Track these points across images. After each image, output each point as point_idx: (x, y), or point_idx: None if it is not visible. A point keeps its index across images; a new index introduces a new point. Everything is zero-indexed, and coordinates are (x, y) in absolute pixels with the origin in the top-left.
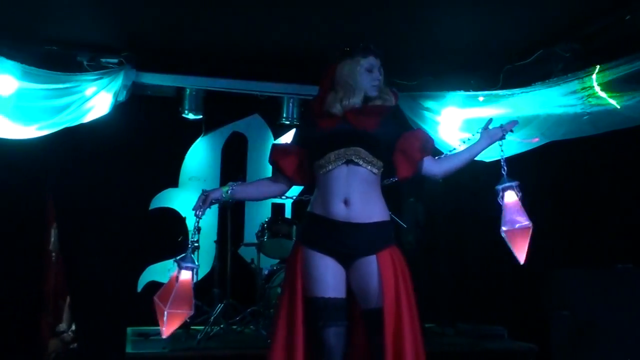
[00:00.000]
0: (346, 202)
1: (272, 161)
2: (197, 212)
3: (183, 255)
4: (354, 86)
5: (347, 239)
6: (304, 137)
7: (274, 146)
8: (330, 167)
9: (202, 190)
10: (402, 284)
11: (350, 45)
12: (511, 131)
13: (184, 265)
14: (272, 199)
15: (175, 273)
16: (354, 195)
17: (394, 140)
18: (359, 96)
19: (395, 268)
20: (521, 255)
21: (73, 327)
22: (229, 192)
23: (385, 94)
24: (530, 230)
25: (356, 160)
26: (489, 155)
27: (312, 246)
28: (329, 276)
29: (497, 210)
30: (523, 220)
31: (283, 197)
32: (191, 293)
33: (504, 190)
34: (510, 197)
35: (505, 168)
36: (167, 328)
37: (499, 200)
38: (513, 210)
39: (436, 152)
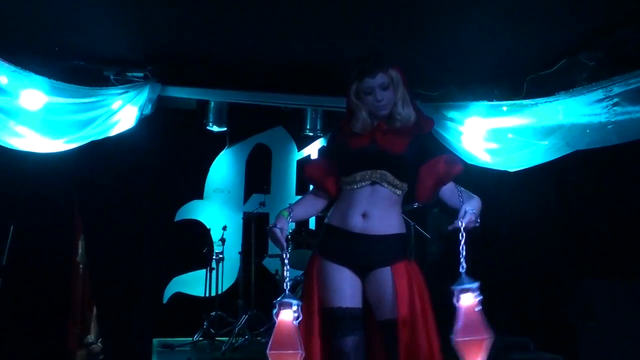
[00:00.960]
0: (364, 215)
1: (313, 179)
2: (285, 252)
3: (283, 296)
4: (356, 112)
5: (362, 250)
6: (335, 151)
7: (311, 163)
8: (355, 186)
9: (269, 228)
10: (417, 297)
11: (348, 69)
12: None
13: (289, 303)
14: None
15: (282, 316)
16: (373, 211)
17: (419, 164)
18: (364, 120)
19: (410, 280)
20: None
21: (100, 339)
22: (289, 217)
23: (401, 110)
24: (487, 343)
25: (381, 183)
26: (514, 164)
27: (329, 257)
28: (346, 286)
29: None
30: (482, 332)
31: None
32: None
33: (461, 292)
34: (469, 301)
35: (464, 265)
36: None
37: (454, 301)
38: (472, 318)
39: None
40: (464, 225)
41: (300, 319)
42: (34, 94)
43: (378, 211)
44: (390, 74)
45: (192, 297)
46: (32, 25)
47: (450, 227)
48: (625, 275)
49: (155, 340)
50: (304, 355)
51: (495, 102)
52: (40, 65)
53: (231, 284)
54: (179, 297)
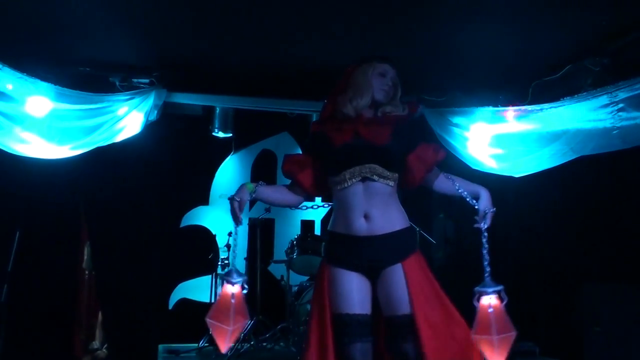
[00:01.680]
0: (366, 217)
1: (288, 173)
2: (237, 221)
3: (227, 270)
4: (362, 85)
5: (371, 252)
6: (317, 149)
7: (288, 157)
8: (346, 184)
9: (230, 198)
10: (429, 288)
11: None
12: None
13: (231, 280)
14: (291, 208)
15: (224, 290)
16: (373, 209)
17: (406, 153)
18: (367, 96)
19: (422, 272)
20: None
21: (106, 345)
22: (255, 191)
23: (396, 104)
24: (511, 340)
25: (372, 177)
26: (519, 170)
27: (337, 264)
28: (354, 292)
29: (527, 225)
30: (504, 330)
31: (314, 207)
32: (244, 304)
33: (483, 294)
34: (490, 302)
35: (489, 269)
36: (228, 344)
37: (474, 302)
38: (491, 318)
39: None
40: (486, 227)
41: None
42: (39, 101)
43: (378, 209)
44: (397, 76)
45: (197, 303)
46: (37, 32)
47: (475, 225)
48: (631, 280)
49: (160, 346)
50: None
51: (500, 108)
52: (46, 71)
53: None
54: (185, 303)
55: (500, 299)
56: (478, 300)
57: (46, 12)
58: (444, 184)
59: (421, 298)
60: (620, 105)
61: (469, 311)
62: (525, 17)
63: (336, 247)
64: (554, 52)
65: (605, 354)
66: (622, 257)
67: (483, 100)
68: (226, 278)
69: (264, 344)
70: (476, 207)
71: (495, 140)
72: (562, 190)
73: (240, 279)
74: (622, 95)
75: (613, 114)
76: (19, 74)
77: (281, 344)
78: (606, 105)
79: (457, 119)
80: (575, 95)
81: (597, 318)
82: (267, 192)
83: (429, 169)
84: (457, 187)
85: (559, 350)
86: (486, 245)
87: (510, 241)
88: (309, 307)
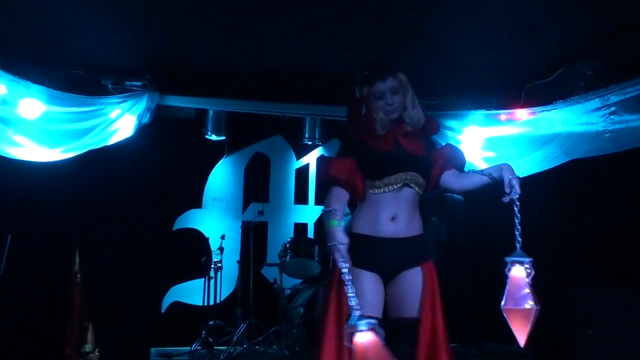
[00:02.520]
0: (394, 219)
1: (338, 178)
2: (348, 261)
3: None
4: (374, 115)
5: (394, 254)
6: (358, 153)
7: (336, 162)
8: (386, 189)
9: (331, 246)
10: (438, 296)
11: (358, 73)
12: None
13: (521, 261)
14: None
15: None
16: (402, 213)
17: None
18: (381, 121)
19: (434, 279)
20: (522, 337)
21: (97, 348)
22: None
23: (412, 113)
24: (533, 313)
25: (410, 184)
26: (518, 171)
27: (360, 265)
28: (372, 295)
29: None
30: (530, 302)
31: None
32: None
33: (514, 264)
34: (520, 273)
35: (520, 240)
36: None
37: (506, 272)
38: (521, 289)
39: (462, 166)
40: (517, 196)
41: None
42: (31, 103)
43: (405, 214)
44: (400, 78)
45: (190, 306)
46: (30, 35)
47: (504, 200)
48: (624, 284)
49: (153, 350)
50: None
51: (493, 111)
52: (38, 74)
53: (230, 292)
54: (177, 306)
55: (530, 270)
56: (509, 270)
57: (38, 15)
58: (463, 178)
59: (429, 304)
60: (612, 108)
61: (465, 312)
62: (517, 22)
63: (360, 248)
64: (547, 55)
65: (597, 356)
66: (613, 260)
67: (476, 104)
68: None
69: (257, 347)
70: (501, 179)
71: (488, 143)
72: (553, 194)
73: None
74: (614, 98)
75: (605, 117)
76: (11, 77)
77: (274, 347)
78: (598, 109)
79: (450, 122)
80: (568, 99)
81: (589, 321)
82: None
83: (443, 169)
84: (479, 172)
85: (551, 354)
86: (518, 215)
87: (501, 244)
88: (302, 310)
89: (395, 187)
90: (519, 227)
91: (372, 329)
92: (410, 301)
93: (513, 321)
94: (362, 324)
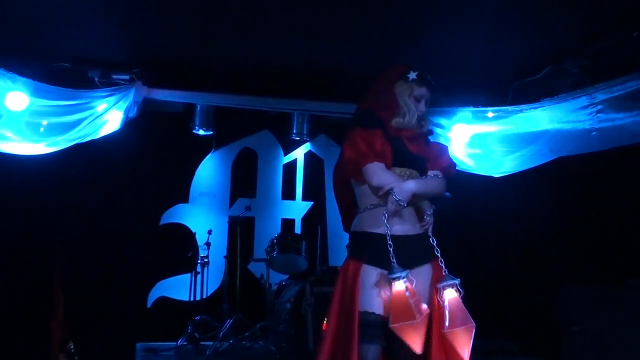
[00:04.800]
0: (401, 217)
1: (380, 151)
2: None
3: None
4: (408, 111)
5: (405, 252)
6: (381, 127)
7: (373, 131)
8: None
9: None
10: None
11: (409, 69)
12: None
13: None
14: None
15: (394, 288)
16: (405, 211)
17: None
18: (411, 120)
19: (440, 278)
20: (466, 354)
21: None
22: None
23: (425, 121)
24: (474, 330)
25: None
26: (498, 170)
27: (370, 262)
28: (380, 293)
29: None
30: (467, 321)
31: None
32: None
33: (444, 288)
34: (451, 295)
35: (444, 267)
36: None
37: (439, 299)
38: (455, 310)
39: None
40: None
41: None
42: (16, 96)
43: (408, 211)
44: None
45: (176, 301)
46: (16, 26)
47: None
48: (608, 280)
49: (138, 345)
50: (422, 320)
51: (481, 108)
52: (23, 66)
53: (216, 288)
54: (164, 301)
55: (459, 291)
56: (442, 296)
57: (25, 7)
58: None
59: (435, 300)
60: (599, 106)
61: None
62: (505, 19)
63: (369, 246)
64: (534, 53)
65: (582, 352)
66: (598, 258)
67: (464, 101)
68: (390, 277)
69: (244, 342)
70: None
71: (474, 140)
72: (540, 192)
73: (404, 272)
74: (601, 97)
75: (592, 115)
76: None
77: (260, 342)
78: (585, 107)
79: (438, 119)
80: (555, 97)
81: (574, 318)
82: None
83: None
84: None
85: (536, 349)
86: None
87: (489, 242)
88: (288, 305)
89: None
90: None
91: (408, 277)
92: (422, 297)
93: (456, 342)
94: (402, 273)
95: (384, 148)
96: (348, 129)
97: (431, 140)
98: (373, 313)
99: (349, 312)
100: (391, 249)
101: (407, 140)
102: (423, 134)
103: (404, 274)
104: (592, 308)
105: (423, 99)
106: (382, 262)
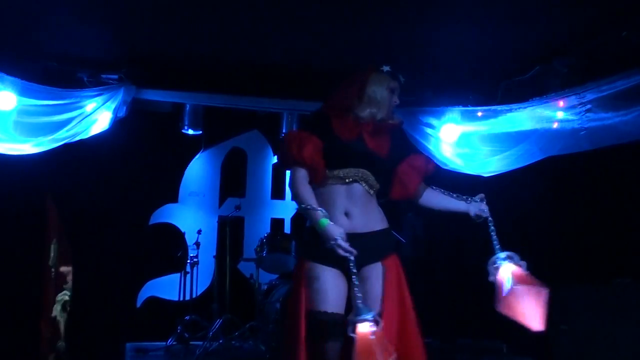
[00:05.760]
0: (347, 215)
1: (308, 164)
2: (352, 252)
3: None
4: (381, 101)
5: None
6: (324, 137)
7: (307, 144)
8: (333, 182)
9: (334, 244)
10: (406, 291)
11: (380, 63)
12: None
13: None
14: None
15: (358, 331)
16: (354, 209)
17: (397, 164)
18: (384, 112)
19: (399, 273)
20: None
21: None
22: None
23: (393, 116)
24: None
25: (361, 183)
26: (487, 169)
27: (317, 260)
28: (333, 291)
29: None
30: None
31: None
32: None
33: (357, 322)
34: (364, 329)
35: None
36: None
37: (491, 278)
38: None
39: (433, 176)
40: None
41: (376, 331)
42: (4, 95)
43: (358, 209)
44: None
45: (166, 301)
46: (4, 26)
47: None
48: (597, 280)
49: (128, 345)
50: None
51: (470, 108)
52: (12, 65)
53: (206, 288)
54: (153, 301)
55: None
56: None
57: (12, 5)
58: (433, 195)
59: (393, 300)
60: (588, 106)
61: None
62: (494, 18)
63: (317, 243)
64: (523, 52)
65: (572, 352)
66: (587, 257)
67: (453, 100)
68: (354, 320)
69: (233, 342)
70: (469, 200)
71: (463, 139)
72: (528, 192)
73: (370, 314)
74: (590, 96)
75: (581, 114)
76: None
77: (250, 342)
78: (574, 106)
79: (427, 119)
80: (544, 96)
81: (563, 317)
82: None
83: (422, 179)
84: (447, 193)
85: (526, 349)
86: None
87: (478, 240)
88: (278, 305)
89: (346, 181)
90: (496, 240)
91: (374, 319)
92: (374, 297)
93: (528, 306)
94: (368, 315)
95: (313, 156)
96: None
97: (397, 136)
98: (326, 312)
99: (296, 311)
100: (356, 289)
101: (368, 135)
102: (388, 128)
103: (369, 316)
104: (581, 307)
105: (395, 92)
106: (329, 260)
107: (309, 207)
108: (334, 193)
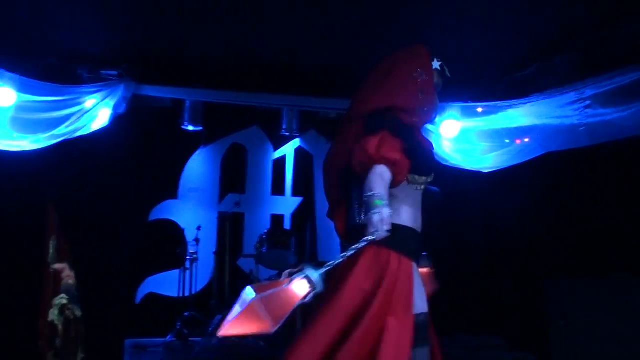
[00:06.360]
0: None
1: (394, 160)
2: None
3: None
4: (435, 102)
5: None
6: (408, 138)
7: (391, 140)
8: (422, 187)
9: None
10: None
11: (441, 62)
12: None
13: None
14: None
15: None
16: (419, 211)
17: None
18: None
19: None
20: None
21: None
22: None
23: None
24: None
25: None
26: (487, 165)
27: (414, 259)
28: (424, 289)
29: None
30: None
31: None
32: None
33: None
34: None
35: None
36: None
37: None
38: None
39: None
40: None
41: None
42: (4, 92)
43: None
44: None
45: (165, 298)
46: (3, 23)
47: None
48: (594, 274)
49: (127, 341)
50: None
51: (470, 104)
52: (11, 62)
53: (205, 284)
54: (152, 297)
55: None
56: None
57: (12, 2)
58: None
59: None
60: (588, 102)
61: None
62: (494, 15)
63: (409, 241)
64: (523, 49)
65: (570, 346)
66: (585, 252)
67: (453, 96)
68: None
69: (233, 338)
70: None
71: (463, 135)
72: (527, 187)
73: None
74: (589, 92)
75: (580, 110)
76: None
77: (249, 338)
78: (574, 102)
79: None
80: (544, 92)
81: (561, 312)
82: None
83: None
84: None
85: (526, 344)
86: None
87: (476, 236)
88: None
89: (424, 187)
90: None
91: (314, 287)
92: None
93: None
94: (316, 275)
95: (402, 158)
96: (372, 126)
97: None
98: (427, 314)
99: (409, 313)
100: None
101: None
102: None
103: (318, 283)
104: (579, 301)
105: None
106: (416, 257)
107: (384, 202)
108: (419, 196)
